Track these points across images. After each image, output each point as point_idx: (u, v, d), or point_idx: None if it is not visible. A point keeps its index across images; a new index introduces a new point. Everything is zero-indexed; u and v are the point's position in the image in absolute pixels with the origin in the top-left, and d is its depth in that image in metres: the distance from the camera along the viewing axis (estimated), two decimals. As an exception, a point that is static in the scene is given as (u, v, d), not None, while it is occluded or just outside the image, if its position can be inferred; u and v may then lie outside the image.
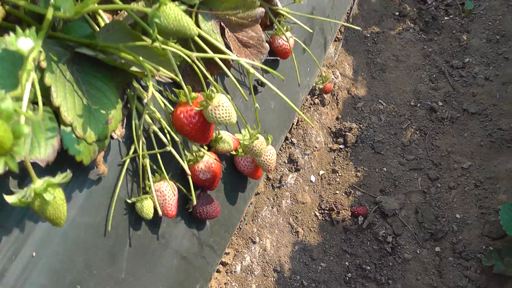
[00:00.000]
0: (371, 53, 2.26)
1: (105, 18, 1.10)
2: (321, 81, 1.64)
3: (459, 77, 2.20)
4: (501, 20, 2.35)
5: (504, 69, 2.17)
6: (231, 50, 1.28)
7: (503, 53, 2.23)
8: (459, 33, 2.34)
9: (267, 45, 1.32)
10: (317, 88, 1.87)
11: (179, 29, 0.81)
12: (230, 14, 1.23)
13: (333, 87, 2.07)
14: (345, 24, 1.60)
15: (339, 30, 2.15)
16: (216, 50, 1.12)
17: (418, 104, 2.13)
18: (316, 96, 1.99)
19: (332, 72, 2.09)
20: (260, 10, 1.26)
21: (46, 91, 0.86)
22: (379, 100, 2.13)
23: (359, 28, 2.07)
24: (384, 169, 1.98)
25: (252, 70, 1.11)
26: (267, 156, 1.33)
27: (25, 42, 0.63)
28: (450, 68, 2.23)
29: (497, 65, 2.20)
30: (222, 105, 1.07)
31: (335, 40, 2.14)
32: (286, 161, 1.89)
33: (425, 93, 2.16)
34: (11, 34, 0.64)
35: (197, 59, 1.10)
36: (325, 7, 1.86)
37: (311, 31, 1.55)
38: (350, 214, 1.89)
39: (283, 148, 1.89)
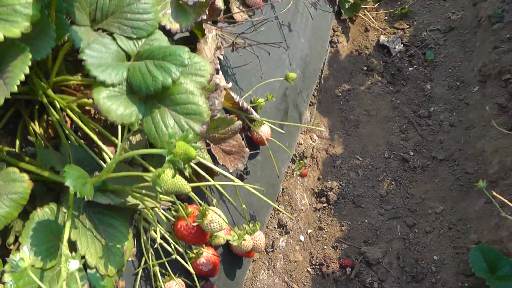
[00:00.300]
0: (344, 111, 2.53)
1: (109, 154, 1.36)
2: (298, 168, 1.90)
3: (427, 126, 2.47)
4: (459, 66, 2.63)
5: (466, 115, 2.45)
6: (217, 160, 1.55)
7: (464, 98, 2.51)
8: (423, 83, 2.62)
9: (247, 149, 1.59)
10: (296, 167, 2.13)
11: (175, 190, 1.06)
12: (213, 132, 1.50)
13: (312, 150, 2.34)
14: (309, 126, 1.87)
15: (312, 94, 2.42)
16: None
17: (392, 156, 2.40)
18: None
19: (310, 136, 2.36)
20: (238, 123, 1.53)
21: (73, 244, 1.12)
22: (356, 156, 2.40)
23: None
24: (366, 220, 2.25)
25: (237, 181, 1.39)
26: (256, 241, 1.60)
27: (73, 264, 0.88)
28: (417, 117, 2.51)
29: (460, 111, 2.48)
30: (215, 220, 1.34)
31: (309, 105, 2.41)
32: (276, 226, 2.15)
33: (397, 144, 2.43)
34: (62, 258, 0.89)
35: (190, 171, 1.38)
36: (297, 84, 2.13)
37: (282, 131, 1.82)
38: (338, 267, 2.15)
39: (272, 215, 2.15)
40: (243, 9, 1.90)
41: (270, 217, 2.14)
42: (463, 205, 2.23)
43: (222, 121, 1.49)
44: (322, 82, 2.52)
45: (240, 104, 1.57)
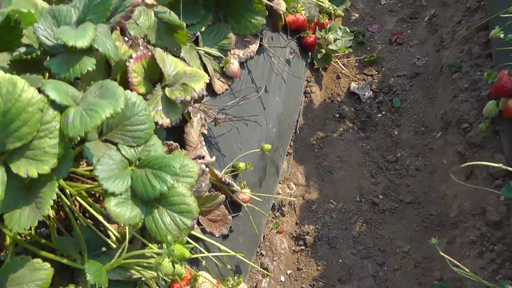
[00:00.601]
0: (318, 158, 2.85)
1: (113, 231, 1.66)
2: (275, 227, 2.21)
3: (395, 171, 2.80)
4: (424, 112, 2.97)
5: (430, 159, 2.78)
6: (204, 228, 1.86)
7: (428, 144, 2.84)
8: (391, 129, 2.95)
9: (230, 217, 1.90)
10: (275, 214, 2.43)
11: (173, 273, 1.37)
12: (201, 207, 1.80)
13: (290, 197, 2.66)
14: (285, 197, 2.18)
15: (289, 145, 2.74)
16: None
17: (363, 199, 2.72)
18: (276, 210, 2.58)
19: (287, 185, 2.67)
20: (222, 198, 1.84)
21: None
22: (330, 200, 2.72)
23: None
24: (340, 260, 2.56)
25: (222, 248, 1.70)
26: (240, 294, 1.91)
27: None
28: (386, 162, 2.83)
29: (425, 156, 2.80)
30: (205, 282, 1.66)
31: (287, 155, 2.72)
32: (259, 270, 2.46)
33: (367, 188, 2.75)
34: None
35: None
36: (273, 142, 2.44)
37: (259, 199, 2.13)
38: (316, 304, 2.47)
39: (255, 260, 2.45)
40: (223, 80, 2.20)
41: (254, 262, 2.45)
42: (428, 245, 2.55)
43: (208, 198, 1.79)
44: (298, 131, 2.84)
45: (223, 180, 1.88)
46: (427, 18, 3.48)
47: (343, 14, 2.92)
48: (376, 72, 3.24)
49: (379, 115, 3.03)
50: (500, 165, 1.82)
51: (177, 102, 1.65)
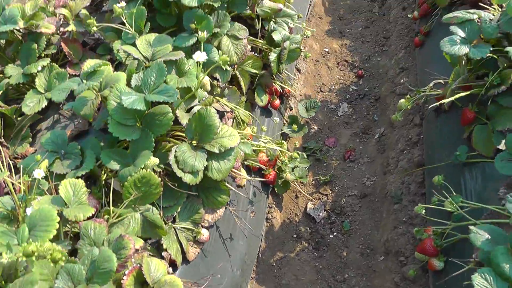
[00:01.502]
0: (277, 278, 3.53)
1: None
2: None
3: (341, 291, 3.51)
4: (370, 234, 3.65)
5: (373, 280, 3.46)
6: None
7: (372, 266, 3.52)
8: (340, 250, 3.63)
9: None
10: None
11: None
12: None
13: (251, 317, 3.36)
14: None
15: (252, 270, 3.43)
16: None
17: (314, 316, 3.43)
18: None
19: (248, 310, 3.37)
20: None
21: None
22: (285, 319, 3.43)
23: None
24: None
25: None
26: None
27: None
28: (335, 281, 3.52)
29: (368, 276, 3.50)
30: None
31: (250, 279, 3.41)
32: None
33: (318, 306, 3.46)
34: None
35: None
36: (237, 281, 3.12)
37: None
38: None
39: None
40: (195, 246, 2.87)
41: None
42: None
43: None
44: (260, 255, 3.52)
45: None
46: (377, 136, 4.17)
47: (299, 157, 3.57)
48: (330, 191, 3.92)
49: (331, 236, 3.72)
50: None
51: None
